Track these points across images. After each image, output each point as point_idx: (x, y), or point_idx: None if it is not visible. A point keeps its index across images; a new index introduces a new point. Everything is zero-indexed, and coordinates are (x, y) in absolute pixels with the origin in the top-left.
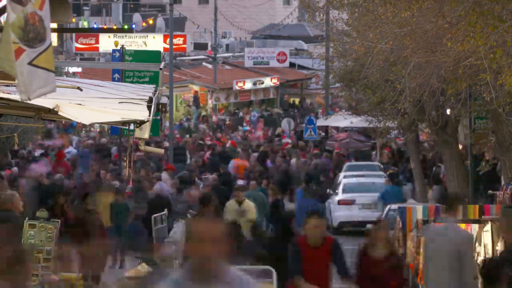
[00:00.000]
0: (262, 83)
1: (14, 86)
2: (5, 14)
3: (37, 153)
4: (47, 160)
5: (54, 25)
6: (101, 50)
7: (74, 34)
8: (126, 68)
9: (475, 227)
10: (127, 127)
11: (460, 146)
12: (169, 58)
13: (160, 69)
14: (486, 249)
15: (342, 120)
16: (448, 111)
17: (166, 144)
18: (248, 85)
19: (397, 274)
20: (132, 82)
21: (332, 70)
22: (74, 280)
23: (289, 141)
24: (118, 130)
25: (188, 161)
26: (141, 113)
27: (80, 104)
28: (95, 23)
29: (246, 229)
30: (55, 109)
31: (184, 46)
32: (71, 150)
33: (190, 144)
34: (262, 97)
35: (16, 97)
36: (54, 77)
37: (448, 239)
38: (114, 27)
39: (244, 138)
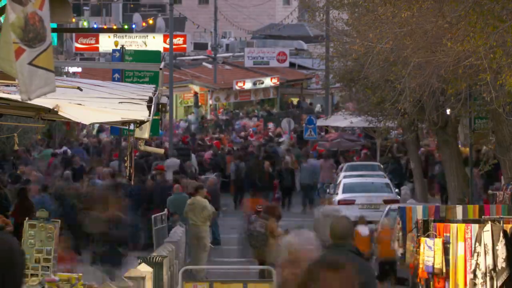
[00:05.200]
0: (262, 83)
1: (14, 86)
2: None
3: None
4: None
5: (54, 25)
6: (101, 50)
7: (74, 34)
8: (126, 68)
9: (475, 227)
10: (127, 127)
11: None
12: (169, 58)
13: (160, 69)
14: (486, 249)
15: (342, 120)
16: (448, 111)
17: (166, 144)
18: (248, 85)
19: None
20: (132, 82)
21: (332, 70)
22: (74, 280)
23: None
24: (118, 130)
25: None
26: (141, 113)
27: (80, 104)
28: (95, 23)
29: None
30: (55, 109)
31: (184, 46)
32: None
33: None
34: (262, 97)
35: (16, 97)
36: (54, 77)
37: None
38: (114, 27)
39: (245, 137)
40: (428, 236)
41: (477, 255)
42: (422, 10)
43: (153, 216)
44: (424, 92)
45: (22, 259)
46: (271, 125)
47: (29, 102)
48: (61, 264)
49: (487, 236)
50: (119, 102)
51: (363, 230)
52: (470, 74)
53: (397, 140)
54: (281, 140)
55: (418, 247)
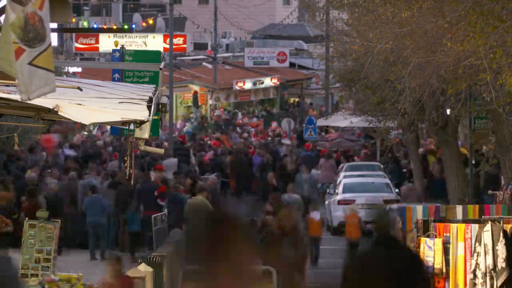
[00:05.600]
0: (262, 83)
1: (14, 86)
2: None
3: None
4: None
5: (54, 25)
6: (101, 50)
7: (74, 34)
8: (126, 68)
9: (475, 227)
10: (127, 127)
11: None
12: (169, 58)
13: (160, 69)
14: (486, 249)
15: (342, 120)
16: (448, 111)
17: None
18: (248, 85)
19: None
20: (132, 82)
21: (332, 70)
22: (74, 280)
23: (289, 141)
24: (118, 130)
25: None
26: (141, 113)
27: (80, 104)
28: (95, 23)
29: None
30: (55, 109)
31: (184, 46)
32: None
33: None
34: (262, 97)
35: (16, 97)
36: (54, 77)
37: None
38: (114, 27)
39: (245, 137)
40: (428, 236)
41: (477, 255)
42: (422, 10)
43: (153, 216)
44: (424, 92)
45: None
46: (274, 124)
47: (29, 102)
48: None
49: (487, 236)
50: (119, 102)
51: (315, 215)
52: (470, 74)
53: (396, 140)
54: (282, 140)
55: (418, 247)
